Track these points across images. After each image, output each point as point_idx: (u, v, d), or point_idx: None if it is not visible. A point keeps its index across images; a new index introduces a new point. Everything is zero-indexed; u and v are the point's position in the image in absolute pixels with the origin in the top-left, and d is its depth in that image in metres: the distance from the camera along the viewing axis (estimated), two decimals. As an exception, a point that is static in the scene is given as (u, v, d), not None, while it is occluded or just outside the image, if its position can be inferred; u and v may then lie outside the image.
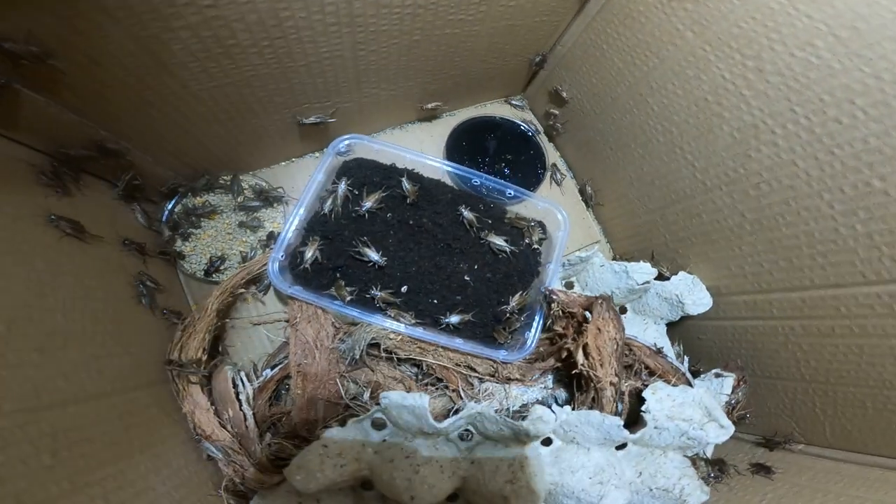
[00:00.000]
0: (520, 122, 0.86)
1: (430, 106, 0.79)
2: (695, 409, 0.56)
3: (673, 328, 0.72)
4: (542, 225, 0.72)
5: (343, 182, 0.65)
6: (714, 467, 0.60)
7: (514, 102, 0.90)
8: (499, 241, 0.66)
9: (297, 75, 0.58)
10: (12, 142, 0.49)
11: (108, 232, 0.58)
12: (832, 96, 0.43)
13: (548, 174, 0.83)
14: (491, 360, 0.62)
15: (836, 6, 0.41)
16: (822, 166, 0.46)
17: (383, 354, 0.63)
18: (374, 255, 0.63)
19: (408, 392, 0.56)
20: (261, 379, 0.62)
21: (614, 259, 0.80)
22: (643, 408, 0.54)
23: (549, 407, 0.53)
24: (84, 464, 0.41)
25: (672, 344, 0.71)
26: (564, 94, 0.78)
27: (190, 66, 0.49)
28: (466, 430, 0.57)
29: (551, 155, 0.87)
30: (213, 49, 0.48)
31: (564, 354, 0.56)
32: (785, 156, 0.49)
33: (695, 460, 0.59)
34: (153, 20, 0.43)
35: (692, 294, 0.64)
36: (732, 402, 0.62)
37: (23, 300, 0.42)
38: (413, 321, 0.62)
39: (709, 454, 0.61)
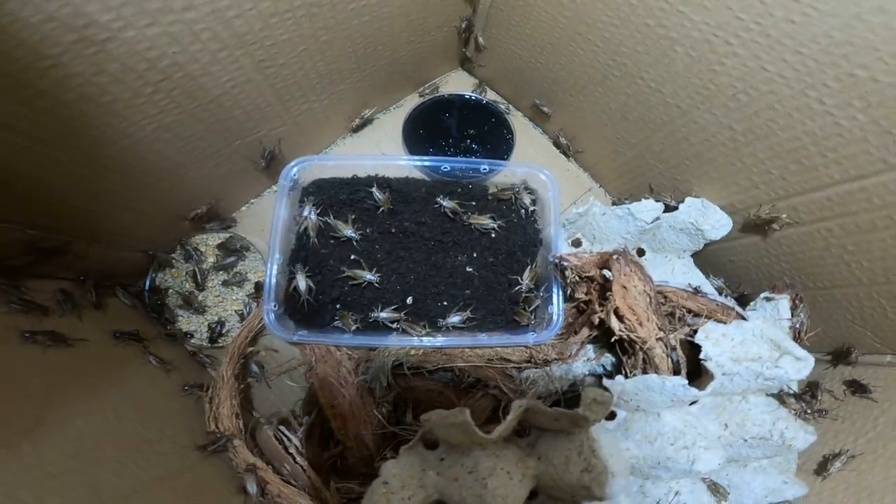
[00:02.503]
0: (469, 94, 0.81)
1: (366, 114, 0.75)
2: (760, 345, 0.52)
3: (700, 258, 0.68)
4: (527, 188, 0.68)
5: (310, 211, 0.60)
6: (806, 400, 0.57)
7: (458, 74, 0.84)
8: (483, 220, 0.63)
9: (209, 113, 0.53)
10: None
11: (94, 329, 0.56)
12: None
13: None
14: (522, 346, 0.60)
15: None
16: (794, 66, 0.44)
17: (410, 372, 0.61)
18: (366, 274, 0.59)
19: (450, 405, 0.54)
20: (303, 428, 0.60)
21: (615, 203, 0.77)
22: (701, 356, 0.51)
23: (599, 378, 0.50)
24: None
25: (708, 277, 0.68)
26: (503, 51, 0.73)
27: (72, 135, 0.44)
28: (522, 424, 0.55)
29: (519, 118, 0.83)
30: (88, 110, 0.43)
31: (597, 321, 0.54)
32: (751, 63, 0.46)
33: (783, 398, 0.55)
34: (8, 101, 0.38)
35: (708, 218, 0.61)
36: (797, 325, 0.57)
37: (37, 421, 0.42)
38: (425, 331, 0.59)
39: (795, 389, 0.56)
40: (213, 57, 0.47)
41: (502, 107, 0.81)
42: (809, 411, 0.56)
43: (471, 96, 0.80)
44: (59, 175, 0.47)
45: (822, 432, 0.57)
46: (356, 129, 0.77)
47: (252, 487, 0.54)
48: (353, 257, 0.62)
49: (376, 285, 0.60)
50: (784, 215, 0.55)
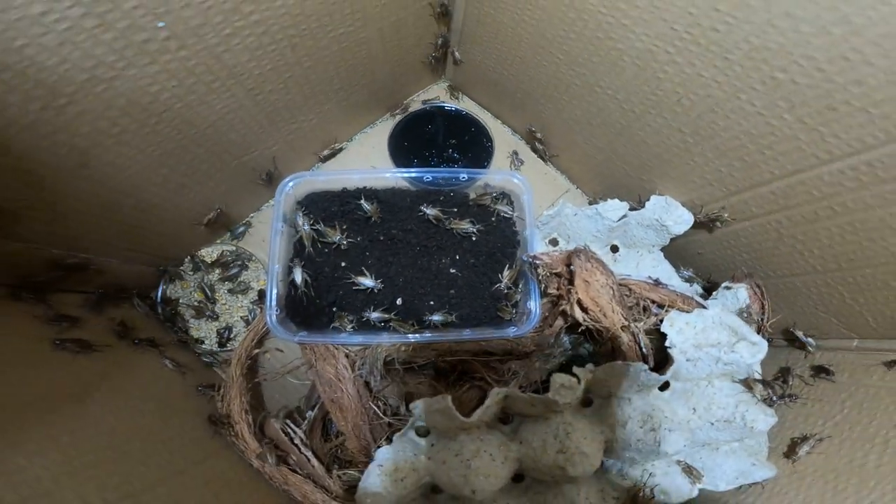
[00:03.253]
0: (449, 105, 0.85)
1: (337, 146, 0.82)
2: (719, 331, 0.56)
3: (672, 251, 0.73)
4: (504, 194, 0.73)
5: (304, 223, 0.66)
6: (772, 385, 0.60)
7: (439, 86, 0.89)
8: (464, 225, 0.68)
9: (207, 138, 0.59)
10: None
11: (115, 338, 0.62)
12: (697, 7, 0.45)
13: (496, 150, 0.84)
14: (504, 339, 0.65)
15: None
16: (724, 72, 0.47)
17: (401, 367, 0.66)
18: (368, 281, 0.65)
19: (435, 395, 0.59)
20: (307, 421, 0.65)
21: (591, 203, 0.82)
22: (666, 343, 0.55)
23: (573, 369, 0.55)
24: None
25: (680, 269, 0.72)
26: (478, 64, 0.78)
27: (91, 164, 0.50)
28: (505, 412, 0.60)
29: (498, 127, 0.88)
30: (102, 140, 0.49)
31: (570, 315, 0.59)
32: (689, 70, 0.50)
33: (751, 384, 0.59)
34: (15, 134, 0.43)
35: (670, 214, 0.65)
36: (753, 311, 0.61)
37: (76, 417, 0.47)
38: (412, 329, 0.65)
39: (758, 374, 0.59)
40: (208, 88, 0.53)
41: (479, 117, 0.85)
42: (775, 397, 0.60)
43: (451, 108, 0.85)
44: (79, 200, 0.52)
45: (793, 417, 0.60)
46: (327, 158, 0.82)
47: (271, 458, 0.60)
48: (343, 264, 0.67)
49: (375, 290, 0.66)
50: (726, 214, 0.59)
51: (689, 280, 0.71)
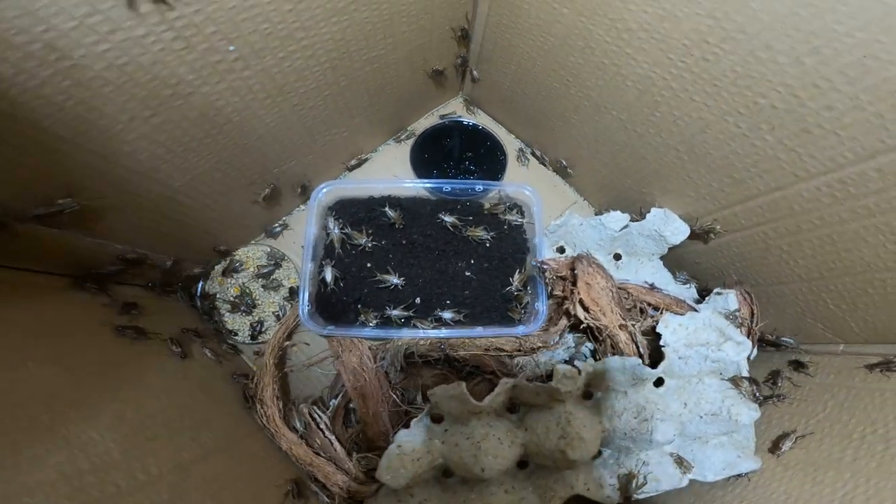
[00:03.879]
0: (466, 120, 0.92)
1: (363, 156, 0.89)
2: (709, 332, 0.62)
3: (671, 260, 0.78)
4: (516, 204, 0.79)
5: (335, 227, 0.73)
6: (757, 383, 0.65)
7: (457, 101, 0.96)
8: (479, 232, 0.75)
9: (255, 148, 0.66)
10: (55, 276, 0.59)
11: (164, 327, 0.68)
12: (689, 40, 0.50)
13: (509, 158, 0.90)
14: (513, 336, 0.71)
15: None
16: (713, 97, 0.53)
17: (419, 360, 0.72)
18: (393, 279, 0.72)
19: (448, 385, 0.65)
20: (330, 409, 0.72)
21: (597, 214, 0.88)
22: (661, 342, 0.61)
23: (574, 363, 0.61)
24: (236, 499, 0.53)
25: (676, 274, 0.77)
26: (494, 83, 0.84)
27: (162, 168, 0.57)
28: (513, 402, 0.66)
29: (512, 141, 0.94)
30: (174, 148, 0.56)
31: (573, 314, 0.64)
32: (683, 95, 0.55)
33: (739, 382, 0.63)
34: (107, 139, 0.49)
35: (668, 226, 0.71)
36: (740, 315, 0.66)
37: (138, 396, 0.54)
38: (430, 325, 0.71)
39: (745, 372, 0.64)
40: (261, 104, 0.60)
41: (493, 131, 0.92)
42: (759, 394, 0.65)
43: (467, 122, 0.92)
44: (147, 199, 0.59)
45: (780, 415, 0.64)
46: (353, 168, 0.89)
47: (300, 422, 0.68)
48: (369, 265, 0.74)
49: (398, 287, 0.72)
50: (718, 227, 0.65)
51: (686, 281, 0.76)
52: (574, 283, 0.62)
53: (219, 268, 0.81)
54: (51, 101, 0.42)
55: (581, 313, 0.60)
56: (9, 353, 0.45)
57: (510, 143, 0.93)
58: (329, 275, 0.71)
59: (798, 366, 0.65)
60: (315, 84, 0.64)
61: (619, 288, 0.63)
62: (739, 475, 0.60)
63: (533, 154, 0.92)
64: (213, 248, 0.79)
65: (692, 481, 0.62)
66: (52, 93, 0.42)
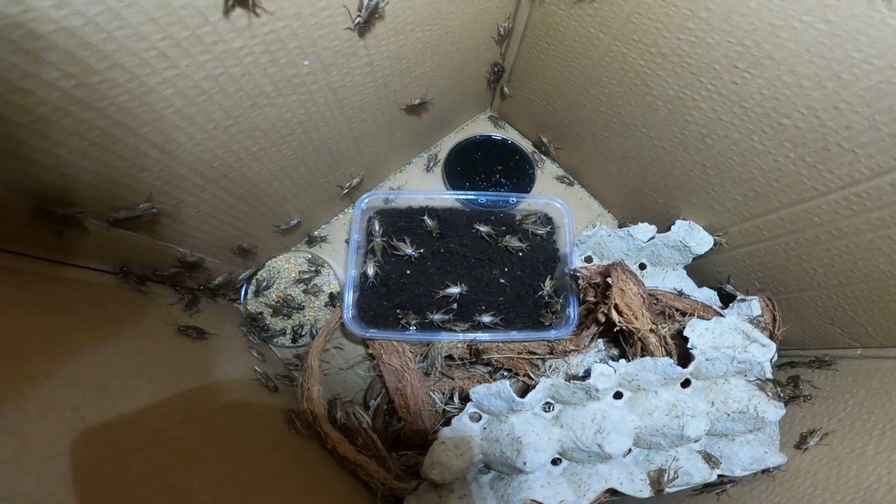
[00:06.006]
0: (496, 134, 0.97)
1: (401, 168, 0.94)
2: (734, 336, 0.65)
3: (696, 270, 0.82)
4: (546, 216, 0.84)
5: (378, 235, 0.78)
6: (785, 386, 0.68)
7: (487, 116, 1.01)
8: (514, 242, 0.79)
9: (311, 157, 0.70)
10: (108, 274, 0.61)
11: (218, 328, 0.71)
12: (720, 65, 0.55)
13: (538, 170, 0.95)
14: (545, 340, 0.75)
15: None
16: (740, 117, 0.57)
17: (457, 363, 0.76)
18: (454, 289, 0.76)
19: (491, 383, 0.68)
20: (371, 408, 0.75)
21: (621, 226, 0.92)
22: (689, 345, 0.65)
23: (609, 363, 0.65)
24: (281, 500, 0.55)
25: (700, 286, 0.82)
26: (525, 99, 0.89)
27: (230, 176, 0.60)
28: (548, 402, 0.69)
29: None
30: (243, 157, 0.60)
31: (604, 319, 0.68)
32: (711, 115, 0.60)
33: (763, 385, 0.67)
34: (193, 147, 0.52)
35: (693, 237, 0.75)
36: (762, 321, 0.70)
37: (203, 396, 0.57)
38: (467, 330, 0.75)
39: (769, 375, 0.67)
40: (322, 116, 0.64)
41: (522, 146, 0.97)
42: (782, 394, 0.68)
43: (497, 137, 0.97)
44: (211, 205, 0.63)
45: (803, 415, 0.68)
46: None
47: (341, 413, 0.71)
48: (408, 272, 0.78)
49: (462, 294, 0.76)
50: (724, 241, 0.72)
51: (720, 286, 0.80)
52: (607, 289, 0.66)
53: (263, 272, 0.85)
54: (153, 108, 0.45)
55: (616, 317, 0.64)
56: (91, 350, 0.47)
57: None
58: (371, 269, 0.75)
59: (821, 363, 0.69)
60: (368, 98, 0.68)
61: (649, 294, 0.68)
62: (766, 470, 0.63)
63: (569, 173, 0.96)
64: (259, 253, 0.82)
65: (720, 476, 0.65)
66: (156, 100, 0.44)
